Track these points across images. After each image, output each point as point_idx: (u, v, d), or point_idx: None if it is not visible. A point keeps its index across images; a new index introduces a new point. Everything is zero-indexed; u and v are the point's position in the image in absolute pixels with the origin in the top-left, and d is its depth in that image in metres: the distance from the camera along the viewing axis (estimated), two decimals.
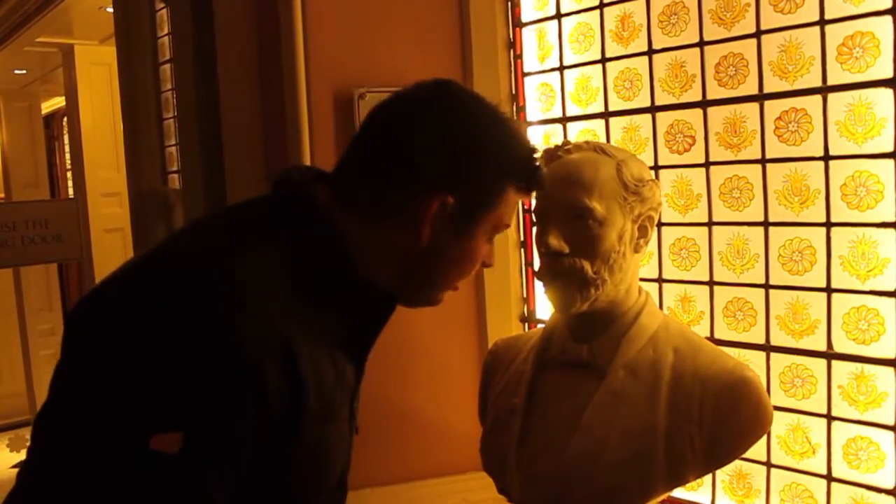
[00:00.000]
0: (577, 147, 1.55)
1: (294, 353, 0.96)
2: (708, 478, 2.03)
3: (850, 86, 1.74)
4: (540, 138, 2.41)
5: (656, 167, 2.10)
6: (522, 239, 2.47)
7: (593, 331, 1.54)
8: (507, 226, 1.18)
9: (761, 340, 1.93)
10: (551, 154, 1.56)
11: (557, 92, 2.36)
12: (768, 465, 1.93)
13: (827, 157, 1.79)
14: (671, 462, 1.43)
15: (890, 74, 1.68)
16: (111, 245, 5.24)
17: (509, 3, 2.44)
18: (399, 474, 2.34)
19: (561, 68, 2.34)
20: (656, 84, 2.10)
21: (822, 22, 1.77)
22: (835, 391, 1.82)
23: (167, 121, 3.44)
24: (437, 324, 2.38)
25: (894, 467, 1.73)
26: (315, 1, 2.26)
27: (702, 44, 1.99)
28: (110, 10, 3.85)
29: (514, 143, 1.16)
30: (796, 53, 1.83)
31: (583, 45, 2.28)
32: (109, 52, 4.59)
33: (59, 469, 0.92)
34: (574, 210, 1.46)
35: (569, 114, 2.33)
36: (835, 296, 1.81)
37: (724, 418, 1.43)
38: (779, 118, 1.87)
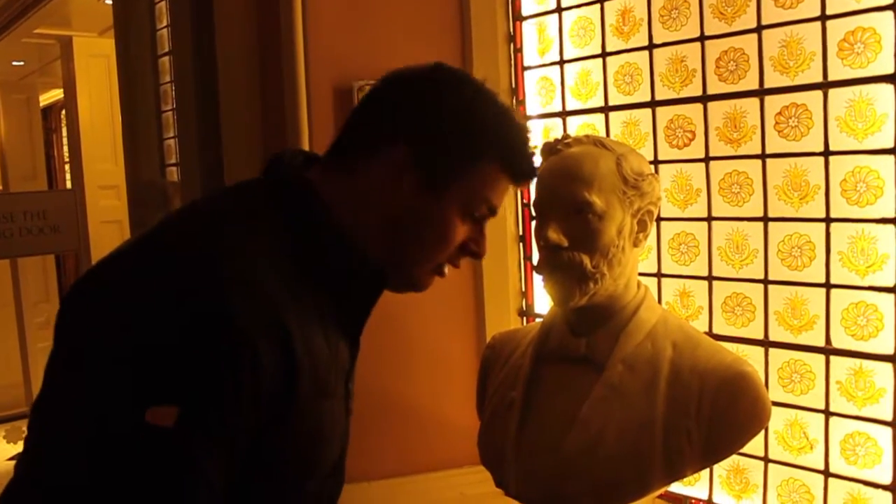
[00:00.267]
0: (577, 141, 1.54)
1: (288, 329, 0.97)
2: (705, 473, 2.03)
3: (851, 81, 1.74)
4: (540, 132, 2.41)
5: (656, 162, 2.10)
6: (521, 233, 2.47)
7: (592, 325, 1.54)
8: (491, 207, 1.17)
9: (760, 336, 1.93)
10: (551, 148, 1.56)
11: (557, 86, 2.35)
12: (766, 460, 1.94)
13: (827, 153, 1.79)
14: (669, 456, 1.43)
15: (891, 70, 1.68)
16: (109, 237, 5.23)
17: None
18: (397, 468, 2.34)
19: (561, 62, 2.34)
20: (656, 79, 2.10)
21: (824, 17, 1.77)
22: (833, 387, 1.82)
23: (166, 113, 3.43)
24: (436, 317, 2.38)
25: (892, 463, 1.73)
26: None
27: (702, 38, 1.99)
28: (109, 1, 3.85)
29: (498, 119, 1.16)
30: (797, 49, 1.82)
31: (583, 39, 2.28)
32: (108, 44, 4.58)
33: (57, 450, 0.92)
34: (573, 204, 1.46)
35: (569, 108, 2.33)
36: (834, 291, 1.81)
37: (722, 413, 1.43)
38: (779, 113, 1.87)
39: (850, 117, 1.75)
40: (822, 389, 1.84)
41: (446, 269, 1.20)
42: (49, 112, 8.33)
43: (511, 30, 2.44)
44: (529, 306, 2.46)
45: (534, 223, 1.56)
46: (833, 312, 1.81)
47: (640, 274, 1.69)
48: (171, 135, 3.40)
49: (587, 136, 1.56)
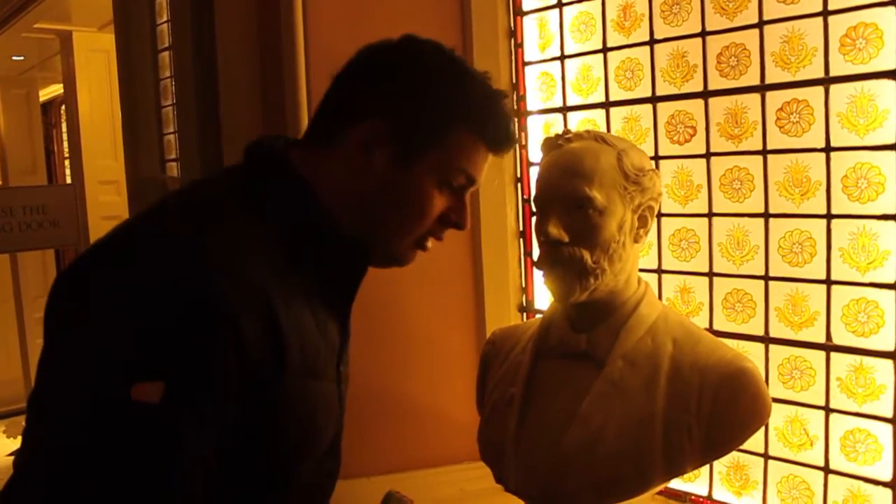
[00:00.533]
0: (578, 136, 1.54)
1: (272, 305, 0.99)
2: (705, 469, 2.03)
3: (853, 77, 1.74)
4: (540, 128, 2.40)
5: (657, 157, 2.10)
6: (521, 228, 2.46)
7: (592, 321, 1.54)
8: (469, 177, 1.17)
9: (760, 332, 1.93)
10: (552, 143, 1.56)
11: (558, 81, 2.35)
12: (766, 456, 1.93)
13: (828, 149, 1.78)
14: (669, 453, 1.43)
15: (893, 66, 1.67)
16: None
17: None
18: (396, 464, 2.34)
19: (562, 58, 2.33)
20: (657, 74, 2.09)
21: (826, 13, 1.76)
22: (833, 383, 1.82)
23: (166, 108, 3.42)
24: (436, 313, 2.38)
25: (892, 460, 1.73)
26: None
27: (704, 34, 1.98)
28: None
29: (469, 86, 1.16)
30: (799, 44, 1.82)
31: (584, 34, 2.27)
32: (108, 39, 4.57)
33: (54, 433, 0.92)
34: (574, 199, 1.45)
35: (569, 103, 2.32)
36: (834, 288, 1.80)
37: (722, 409, 1.43)
38: (780, 109, 1.86)
39: (852, 113, 1.75)
40: (823, 386, 1.83)
41: (429, 244, 1.20)
42: (49, 107, 8.33)
43: (512, 25, 2.43)
44: (529, 302, 2.46)
45: (534, 218, 1.56)
46: (834, 309, 1.81)
47: (641, 270, 1.68)
48: (172, 130, 3.39)
49: (588, 132, 1.55)
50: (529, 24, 2.42)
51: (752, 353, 1.89)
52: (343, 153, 1.13)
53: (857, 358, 1.78)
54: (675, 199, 2.08)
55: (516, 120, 2.41)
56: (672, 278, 2.11)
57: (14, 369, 4.82)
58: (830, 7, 1.76)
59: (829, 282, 1.81)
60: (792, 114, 1.84)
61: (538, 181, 1.54)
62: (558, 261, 1.47)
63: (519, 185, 2.46)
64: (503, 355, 1.72)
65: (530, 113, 2.42)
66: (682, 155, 2.06)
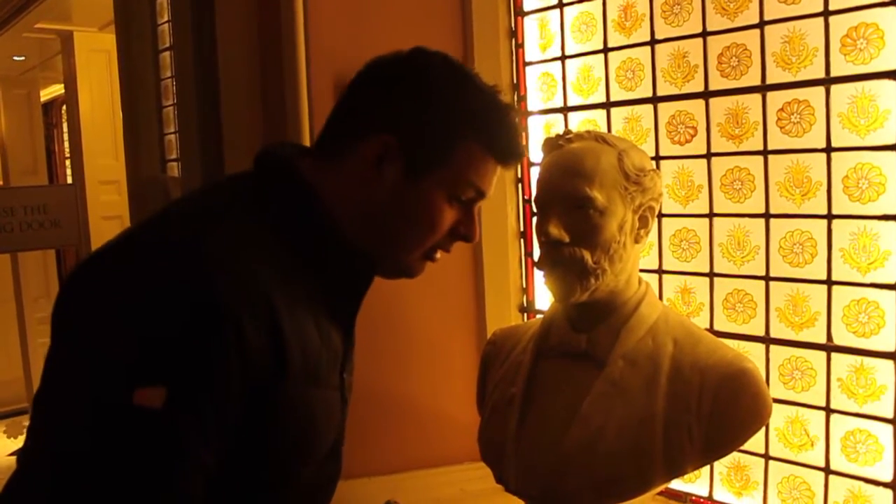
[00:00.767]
0: (579, 136, 1.54)
1: (275, 312, 0.99)
2: (706, 469, 2.03)
3: (854, 77, 1.74)
4: (541, 128, 2.40)
5: (657, 158, 2.10)
6: (522, 229, 2.46)
7: (593, 321, 1.54)
8: (478, 190, 1.17)
9: (761, 332, 1.93)
10: (552, 143, 1.56)
11: (559, 82, 2.35)
12: (766, 457, 1.93)
13: (829, 149, 1.78)
14: (669, 453, 1.43)
15: (894, 66, 1.67)
16: (109, 233, 5.18)
17: None
18: (397, 464, 2.34)
19: (563, 58, 2.33)
20: (658, 74, 2.09)
21: (826, 13, 1.76)
22: (834, 384, 1.82)
23: (166, 108, 3.43)
24: (437, 313, 2.38)
25: (892, 460, 1.73)
26: None
27: (704, 34, 1.98)
28: None
29: (478, 100, 1.16)
30: (800, 44, 1.82)
31: (585, 34, 2.27)
32: (109, 39, 4.57)
33: (56, 435, 0.93)
34: (575, 199, 1.45)
35: (570, 104, 2.32)
36: (835, 288, 1.80)
37: (722, 410, 1.42)
38: (781, 109, 1.86)
39: (853, 113, 1.75)
40: (823, 386, 1.83)
41: (438, 255, 1.20)
42: (50, 107, 8.33)
43: (513, 25, 2.43)
44: (530, 302, 2.46)
45: (535, 219, 1.56)
46: (834, 309, 1.81)
47: (642, 270, 1.68)
48: (172, 130, 3.40)
49: (588, 132, 1.55)
50: (530, 25, 2.42)
51: (753, 354, 1.89)
52: (353, 165, 1.13)
53: (858, 358, 1.77)
54: (675, 200, 2.08)
55: (520, 121, 2.41)
56: (673, 278, 2.11)
57: (15, 369, 4.82)
58: (831, 7, 1.76)
59: (829, 282, 1.81)
60: (793, 114, 1.84)
61: (539, 181, 1.53)
62: (559, 261, 1.47)
63: (520, 185, 2.46)
64: (504, 355, 1.71)
65: (531, 113, 2.42)
66: (682, 155, 2.06)
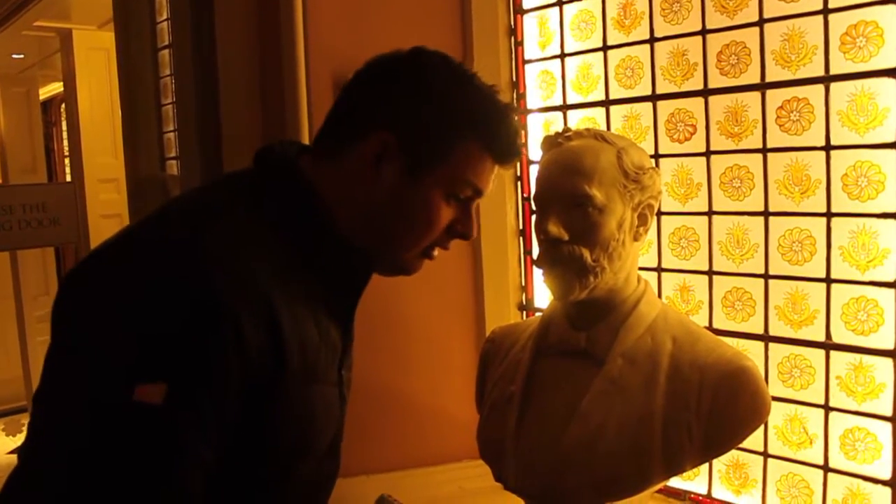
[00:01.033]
0: (578, 134, 1.54)
1: (274, 309, 0.99)
2: (705, 467, 2.03)
3: (853, 75, 1.73)
4: (540, 126, 2.40)
5: (657, 156, 2.09)
6: (521, 227, 2.46)
7: (592, 319, 1.54)
8: (476, 188, 1.18)
9: (760, 330, 1.93)
10: (551, 141, 1.56)
11: (558, 79, 2.35)
12: (765, 455, 1.93)
13: (828, 147, 1.78)
14: (668, 451, 1.43)
15: (893, 64, 1.67)
16: (108, 231, 5.17)
17: None
18: (395, 462, 2.34)
19: (562, 56, 2.33)
20: (658, 72, 2.09)
21: (826, 11, 1.76)
22: (833, 382, 1.82)
23: (165, 107, 3.42)
24: (435, 311, 2.38)
25: (891, 458, 1.73)
26: None
27: (704, 32, 1.98)
28: None
29: (478, 100, 1.16)
30: (799, 42, 1.82)
31: (584, 32, 2.27)
32: (108, 37, 4.56)
33: (56, 432, 0.93)
34: (574, 197, 1.45)
35: (569, 102, 2.32)
36: (834, 286, 1.80)
37: (721, 408, 1.43)
38: (780, 107, 1.86)
39: (852, 111, 1.74)
40: (822, 384, 1.83)
41: (436, 253, 1.21)
42: (49, 105, 8.32)
43: (512, 23, 2.43)
44: (529, 300, 2.46)
45: (534, 217, 1.56)
46: (833, 307, 1.81)
47: (641, 268, 1.68)
48: (171, 128, 3.39)
49: (588, 130, 1.55)
50: (529, 22, 2.42)
51: (752, 352, 1.89)
52: (352, 164, 1.14)
53: (857, 356, 1.77)
54: (674, 198, 2.07)
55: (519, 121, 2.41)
56: (672, 276, 2.11)
57: (14, 368, 4.82)
58: (831, 5, 1.75)
59: (828, 280, 1.81)
60: (792, 112, 1.84)
61: (538, 179, 1.53)
62: (558, 259, 1.47)
63: (519, 183, 2.45)
64: (503, 353, 1.71)
65: (530, 111, 2.42)
66: (682, 153, 2.06)
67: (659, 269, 2.12)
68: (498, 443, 1.59)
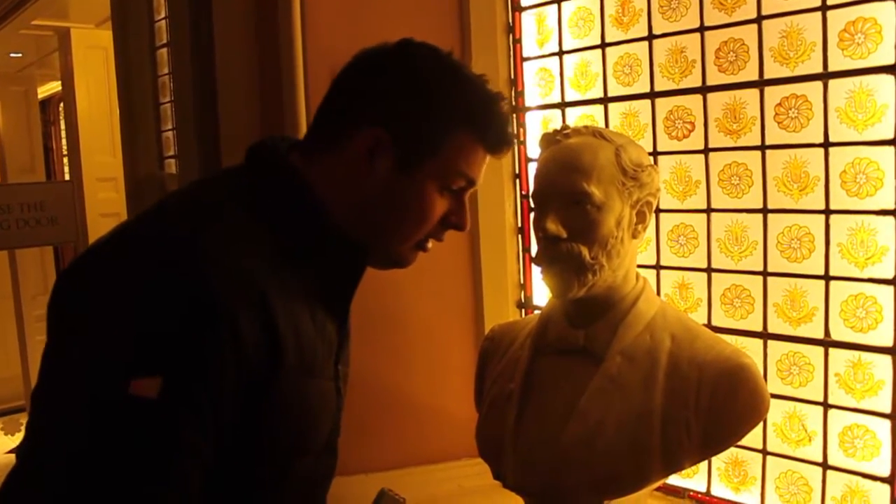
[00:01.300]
0: (576, 131, 1.53)
1: (270, 304, 1.00)
2: (703, 465, 2.03)
3: (851, 72, 1.73)
4: (538, 123, 2.40)
5: (655, 153, 2.09)
6: (520, 225, 2.46)
7: (590, 316, 1.53)
8: (469, 179, 1.17)
9: (759, 328, 1.93)
10: (550, 139, 1.56)
11: (556, 77, 2.34)
12: (764, 452, 1.93)
13: (827, 144, 1.78)
14: (667, 448, 1.43)
15: (891, 61, 1.67)
16: (107, 229, 5.16)
17: None
18: (394, 460, 2.34)
19: (560, 53, 2.33)
20: (656, 69, 2.09)
21: (824, 7, 1.76)
22: (832, 379, 1.82)
23: (164, 105, 3.42)
24: (434, 309, 2.38)
25: (890, 455, 1.73)
26: None
27: (702, 29, 1.98)
28: None
29: (468, 91, 1.16)
30: (797, 39, 1.81)
31: (582, 29, 2.27)
32: (106, 36, 4.56)
33: (54, 428, 0.93)
34: (572, 195, 1.45)
35: (568, 99, 2.32)
36: (833, 283, 1.80)
37: (720, 405, 1.42)
38: (779, 104, 1.86)
39: (850, 108, 1.74)
40: (821, 381, 1.83)
41: (430, 245, 1.21)
42: (47, 104, 8.31)
43: (510, 20, 2.43)
44: (528, 298, 2.46)
45: (532, 215, 1.56)
46: (832, 304, 1.81)
47: (639, 266, 1.68)
48: (170, 127, 3.39)
49: (586, 127, 1.55)
50: (528, 20, 2.41)
51: (751, 349, 1.89)
52: (345, 158, 1.14)
53: (856, 353, 1.77)
54: (673, 195, 2.07)
55: (514, 116, 2.41)
56: (670, 274, 2.10)
57: (13, 367, 4.81)
58: (829, 2, 1.76)
59: (827, 277, 1.81)
60: (790, 109, 1.84)
61: (536, 177, 1.53)
62: (556, 257, 1.46)
63: (517, 181, 2.45)
64: (501, 351, 1.71)
65: (528, 109, 2.41)
66: (680, 150, 2.06)
67: (658, 267, 2.12)
68: (497, 441, 1.59)
